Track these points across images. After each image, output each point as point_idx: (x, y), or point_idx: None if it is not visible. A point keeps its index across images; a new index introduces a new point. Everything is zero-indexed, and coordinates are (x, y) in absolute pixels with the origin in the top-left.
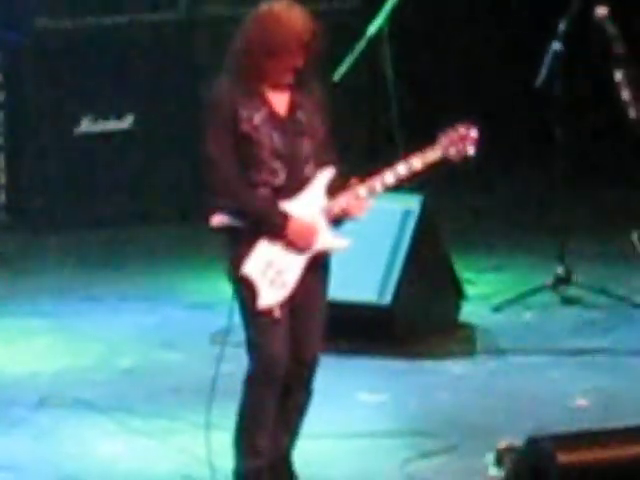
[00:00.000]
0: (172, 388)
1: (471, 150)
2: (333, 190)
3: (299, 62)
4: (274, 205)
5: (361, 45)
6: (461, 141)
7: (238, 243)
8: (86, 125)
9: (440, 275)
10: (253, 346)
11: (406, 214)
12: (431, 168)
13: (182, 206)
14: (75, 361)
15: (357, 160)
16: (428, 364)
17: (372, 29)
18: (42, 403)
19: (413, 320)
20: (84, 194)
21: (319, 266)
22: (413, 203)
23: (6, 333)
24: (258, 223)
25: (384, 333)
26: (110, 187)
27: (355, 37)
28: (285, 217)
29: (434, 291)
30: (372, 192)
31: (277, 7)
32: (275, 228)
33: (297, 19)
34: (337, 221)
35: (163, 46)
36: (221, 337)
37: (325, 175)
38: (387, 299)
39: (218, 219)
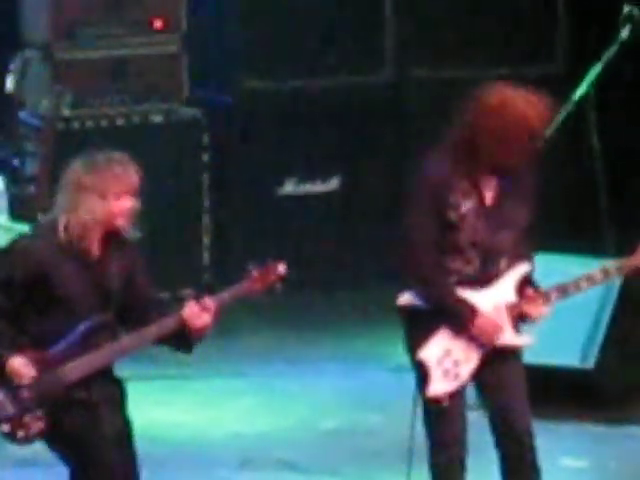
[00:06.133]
0: (375, 450)
1: None
2: (522, 288)
3: (526, 149)
4: (463, 297)
5: (565, 110)
6: None
7: (420, 325)
8: (291, 186)
9: None
10: (427, 428)
11: None
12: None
13: (386, 269)
14: (278, 422)
15: (557, 239)
16: (631, 429)
17: (577, 94)
18: (245, 464)
19: (616, 384)
20: (288, 255)
21: (508, 352)
22: None
23: (211, 394)
24: (445, 311)
25: (587, 397)
26: (314, 249)
27: (560, 102)
28: (473, 312)
29: (638, 355)
30: (564, 297)
31: (508, 95)
32: (461, 321)
33: (532, 109)
34: (522, 320)
35: (370, 108)
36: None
37: (519, 271)
38: (590, 363)
39: (406, 299)
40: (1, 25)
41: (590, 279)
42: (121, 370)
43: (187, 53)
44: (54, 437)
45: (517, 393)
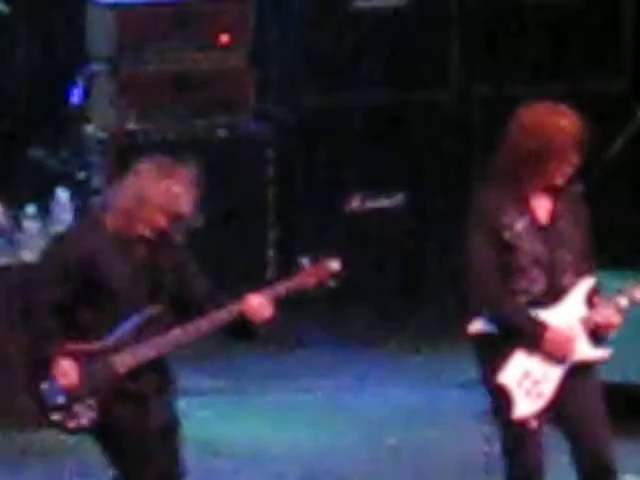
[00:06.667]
0: (438, 467)
1: None
2: (591, 300)
3: (573, 163)
4: (532, 315)
5: (632, 127)
6: None
7: (494, 350)
8: (356, 202)
9: None
10: (508, 455)
11: None
12: None
13: (454, 284)
14: (340, 438)
15: (627, 258)
16: None
17: None
18: (307, 479)
19: None
20: (352, 270)
21: (585, 370)
22: None
23: (273, 409)
24: (516, 332)
25: None
26: (378, 263)
27: (625, 119)
28: (543, 327)
29: None
30: (634, 303)
31: (544, 113)
32: (533, 338)
33: (570, 124)
34: (597, 332)
35: (436, 124)
36: (489, 416)
37: (585, 284)
38: None
39: (477, 327)
40: (67, 39)
41: None
42: (184, 384)
43: (253, 68)
44: (101, 427)
45: (599, 419)
